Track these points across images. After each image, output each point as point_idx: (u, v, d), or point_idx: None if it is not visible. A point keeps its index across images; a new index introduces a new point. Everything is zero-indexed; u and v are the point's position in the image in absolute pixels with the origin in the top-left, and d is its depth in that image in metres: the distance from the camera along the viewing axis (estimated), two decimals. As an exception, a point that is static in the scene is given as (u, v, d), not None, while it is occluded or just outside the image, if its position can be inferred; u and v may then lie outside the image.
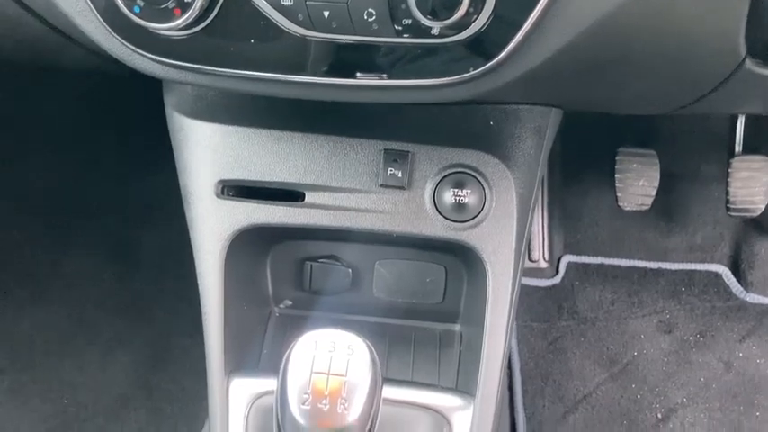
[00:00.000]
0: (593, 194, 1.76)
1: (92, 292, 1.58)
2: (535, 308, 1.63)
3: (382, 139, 0.87)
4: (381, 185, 0.87)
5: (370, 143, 0.87)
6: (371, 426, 0.52)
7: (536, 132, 0.91)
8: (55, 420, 1.36)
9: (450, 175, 0.88)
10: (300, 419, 0.50)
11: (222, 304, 0.87)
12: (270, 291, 1.03)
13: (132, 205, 1.64)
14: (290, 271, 1.02)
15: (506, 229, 0.88)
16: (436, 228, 0.88)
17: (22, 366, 1.46)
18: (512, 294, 0.88)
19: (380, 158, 0.87)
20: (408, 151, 0.87)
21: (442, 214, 0.88)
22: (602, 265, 1.72)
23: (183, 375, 1.44)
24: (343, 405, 0.50)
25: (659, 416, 1.42)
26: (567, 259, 1.73)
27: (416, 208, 0.87)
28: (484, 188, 0.88)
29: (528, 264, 1.73)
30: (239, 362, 0.90)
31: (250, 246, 0.93)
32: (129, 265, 1.59)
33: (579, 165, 1.75)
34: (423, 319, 1.05)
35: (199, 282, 0.88)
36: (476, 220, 0.88)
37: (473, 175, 0.87)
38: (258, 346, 1.00)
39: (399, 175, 0.87)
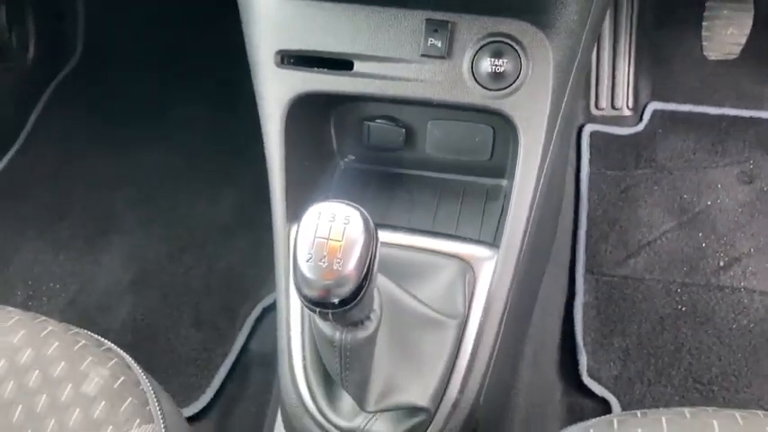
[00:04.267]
0: (687, 38, 1.69)
1: (202, 134, 1.78)
2: (612, 156, 1.66)
3: (425, 9, 0.92)
4: (422, 55, 0.93)
5: (414, 14, 0.92)
6: (367, 276, 0.65)
7: None
8: (173, 247, 1.62)
9: (488, 44, 0.92)
10: (306, 273, 0.64)
11: (283, 161, 1.00)
12: (335, 147, 1.15)
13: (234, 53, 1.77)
14: (352, 129, 1.12)
15: (540, 97, 0.93)
16: (473, 96, 0.94)
17: (146, 198, 1.71)
18: (542, 159, 0.95)
19: (422, 28, 0.93)
20: (448, 21, 0.92)
21: (479, 83, 0.93)
22: (689, 113, 1.69)
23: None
24: (338, 263, 0.63)
25: (721, 264, 1.47)
26: (652, 107, 1.71)
27: (455, 77, 0.94)
28: (520, 57, 0.92)
29: (611, 111, 1.73)
30: (301, 212, 1.04)
31: (312, 108, 1.04)
32: (232, 110, 1.76)
33: (674, 4, 1.67)
34: (473, 175, 1.14)
35: (264, 143, 1.02)
36: (511, 88, 0.93)
37: (510, 45, 0.92)
38: (323, 196, 1.14)
39: (439, 45, 0.93)
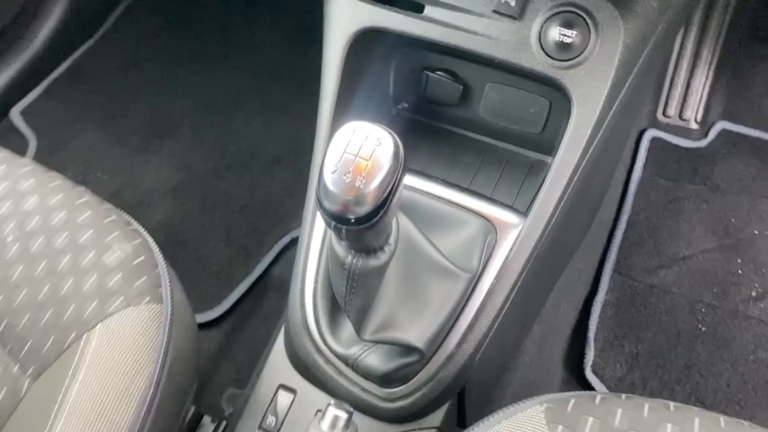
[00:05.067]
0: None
1: (270, 61, 1.81)
2: (669, 165, 1.62)
3: None
4: (493, 11, 0.93)
5: None
6: (386, 201, 0.66)
7: None
8: (220, 162, 1.67)
9: (560, 12, 0.91)
10: (328, 185, 0.65)
11: (336, 92, 1.02)
12: (391, 91, 1.16)
13: None
14: (411, 77, 1.13)
15: (601, 76, 0.92)
16: (535, 62, 0.93)
17: (205, 111, 1.76)
18: (589, 139, 0.94)
19: None
20: None
21: (544, 50, 0.93)
22: (758, 140, 1.64)
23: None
24: (361, 181, 0.65)
25: (753, 294, 1.43)
26: (722, 125, 1.66)
27: (521, 39, 0.93)
28: (590, 32, 0.91)
29: (677, 121, 1.69)
30: None
31: (375, 46, 1.05)
32: (304, 43, 1.78)
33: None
34: (520, 146, 1.13)
35: (322, 71, 1.03)
36: (574, 61, 0.92)
37: (582, 17, 0.91)
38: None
39: (512, 4, 0.93)
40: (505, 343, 1.12)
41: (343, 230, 0.69)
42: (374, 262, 0.77)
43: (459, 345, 0.93)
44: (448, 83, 1.10)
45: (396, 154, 0.66)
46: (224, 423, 1.10)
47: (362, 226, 0.67)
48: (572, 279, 1.42)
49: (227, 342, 1.44)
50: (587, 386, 1.33)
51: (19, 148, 1.68)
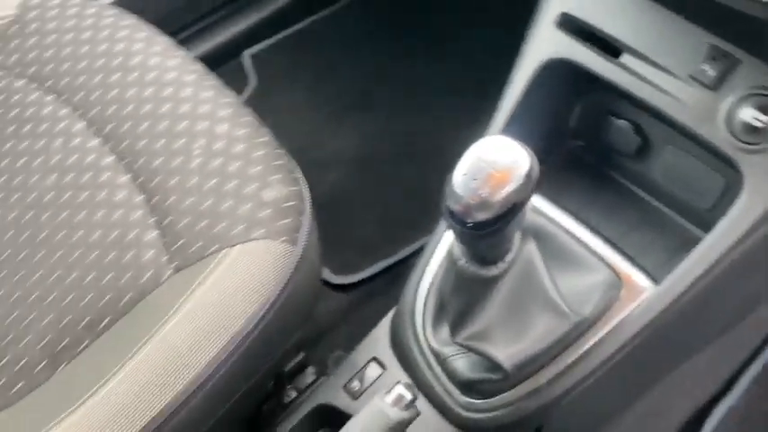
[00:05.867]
0: None
1: (478, 66, 1.86)
2: None
3: (713, 32, 0.89)
4: (689, 76, 0.91)
5: (699, 32, 0.90)
6: (505, 216, 0.69)
7: None
8: (402, 149, 1.76)
9: (760, 95, 0.88)
10: (455, 185, 0.70)
11: (513, 109, 1.05)
12: (570, 125, 1.17)
13: None
14: (593, 117, 1.13)
15: None
16: (716, 136, 0.91)
17: (403, 99, 1.86)
18: (749, 229, 0.89)
19: (703, 51, 0.90)
20: (733, 55, 0.89)
21: (728, 127, 0.90)
22: None
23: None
24: (485, 191, 0.68)
25: None
26: None
27: (708, 110, 0.91)
28: None
29: None
30: None
31: (565, 79, 1.07)
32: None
33: None
34: (683, 216, 1.09)
35: (506, 85, 1.07)
36: (759, 146, 0.88)
37: None
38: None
39: (710, 74, 0.90)
40: (599, 401, 1.09)
41: (458, 231, 0.73)
42: (483, 272, 0.80)
43: (549, 383, 0.93)
44: (629, 133, 1.09)
45: (528, 175, 0.69)
46: (322, 378, 1.19)
47: (476, 232, 0.71)
48: (702, 370, 1.33)
49: (351, 309, 1.53)
50: (679, 482, 1.25)
51: (238, 86, 1.89)
